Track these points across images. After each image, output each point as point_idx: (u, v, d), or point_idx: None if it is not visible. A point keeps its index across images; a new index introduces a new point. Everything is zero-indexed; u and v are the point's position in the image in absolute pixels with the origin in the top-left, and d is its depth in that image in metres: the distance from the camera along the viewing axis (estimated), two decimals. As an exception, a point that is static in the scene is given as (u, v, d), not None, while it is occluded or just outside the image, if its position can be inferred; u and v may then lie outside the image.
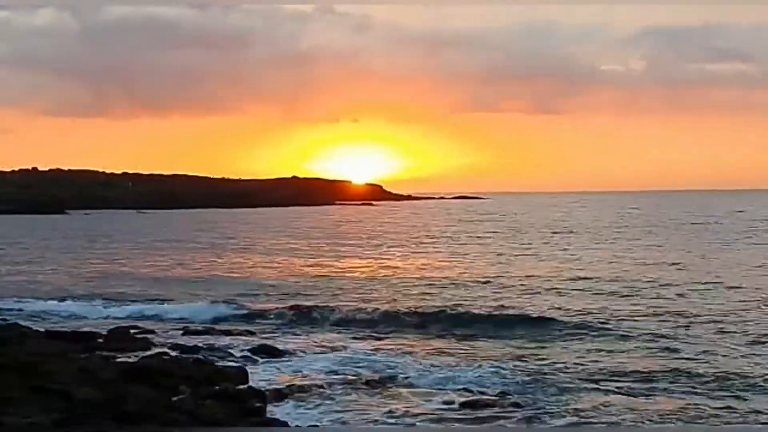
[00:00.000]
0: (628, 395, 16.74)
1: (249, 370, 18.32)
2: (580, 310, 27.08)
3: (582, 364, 19.46)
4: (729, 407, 15.71)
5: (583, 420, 15.07)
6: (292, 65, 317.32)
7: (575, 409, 15.75)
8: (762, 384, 17.40)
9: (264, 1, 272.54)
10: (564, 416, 15.33)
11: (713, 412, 15.45)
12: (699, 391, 17.00)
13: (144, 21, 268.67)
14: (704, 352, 20.52)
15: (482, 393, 16.90)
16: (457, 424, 15.14)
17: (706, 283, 33.40)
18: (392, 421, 15.23)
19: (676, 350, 20.73)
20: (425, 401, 16.41)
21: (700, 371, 18.49)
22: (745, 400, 16.34)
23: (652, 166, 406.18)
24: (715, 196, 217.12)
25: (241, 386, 16.79)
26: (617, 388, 17.24)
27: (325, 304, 29.39)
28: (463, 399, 16.46)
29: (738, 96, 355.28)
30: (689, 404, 15.92)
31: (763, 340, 21.95)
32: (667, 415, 15.29)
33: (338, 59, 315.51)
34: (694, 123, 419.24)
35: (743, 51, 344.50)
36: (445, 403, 16.32)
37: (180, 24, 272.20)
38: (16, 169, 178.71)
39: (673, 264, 41.68)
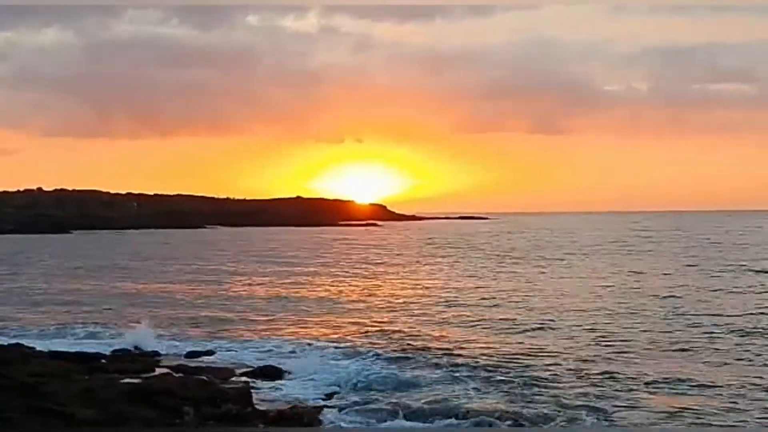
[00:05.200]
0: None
1: (252, 391, 18.24)
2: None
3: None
4: None
5: None
6: (297, 85, 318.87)
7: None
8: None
9: (263, 10, 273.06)
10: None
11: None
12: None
13: (148, 40, 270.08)
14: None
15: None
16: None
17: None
18: None
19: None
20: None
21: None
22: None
23: (655, 186, 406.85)
24: (720, 217, 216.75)
25: (245, 407, 16.69)
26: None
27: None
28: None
29: (740, 116, 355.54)
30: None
31: None
32: None
33: (342, 79, 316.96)
34: (696, 143, 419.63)
35: (745, 71, 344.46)
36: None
37: (184, 43, 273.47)
38: (21, 189, 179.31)
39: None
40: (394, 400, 18.05)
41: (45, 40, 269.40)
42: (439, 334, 26.81)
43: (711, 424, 15.71)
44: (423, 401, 17.86)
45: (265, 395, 18.69)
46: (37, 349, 23.17)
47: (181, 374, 20.42)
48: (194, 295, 41.00)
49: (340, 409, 17.43)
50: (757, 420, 16.16)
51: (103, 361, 22.41)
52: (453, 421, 16.44)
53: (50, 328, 29.77)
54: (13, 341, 24.76)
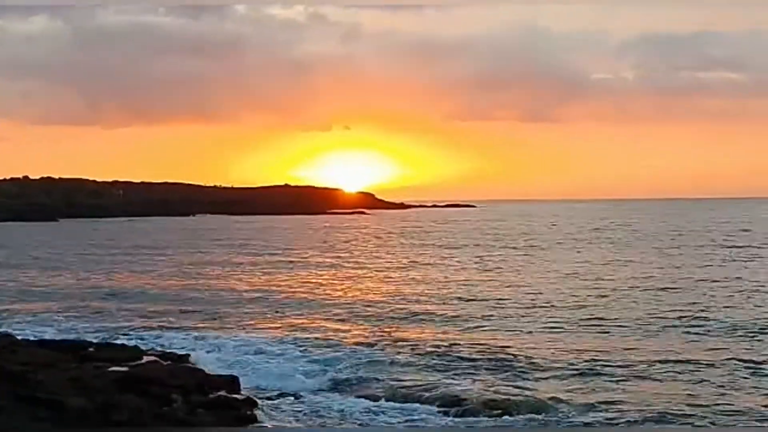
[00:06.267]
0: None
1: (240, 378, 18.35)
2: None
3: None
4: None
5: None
6: (285, 73, 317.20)
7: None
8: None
9: (254, 1, 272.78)
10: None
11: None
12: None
13: (137, 28, 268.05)
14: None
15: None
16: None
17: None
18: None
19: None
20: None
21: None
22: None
23: (644, 175, 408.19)
24: (709, 205, 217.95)
25: (233, 394, 16.81)
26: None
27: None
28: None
29: (728, 104, 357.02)
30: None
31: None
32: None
33: (331, 67, 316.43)
34: (684, 131, 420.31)
35: (734, 59, 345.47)
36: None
37: (173, 32, 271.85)
38: (7, 177, 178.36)
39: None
40: (382, 385, 18.38)
41: (33, 28, 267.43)
42: (422, 325, 26.94)
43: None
44: (411, 388, 18.08)
45: (253, 383, 18.80)
46: (25, 338, 23.24)
47: (169, 362, 20.50)
48: (175, 286, 40.44)
49: (327, 391, 17.88)
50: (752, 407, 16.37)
51: (92, 349, 22.42)
52: (443, 408, 16.63)
53: (34, 318, 29.72)
54: (1, 330, 24.81)
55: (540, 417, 15.89)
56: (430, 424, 15.83)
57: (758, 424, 15.38)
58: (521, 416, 15.97)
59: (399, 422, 15.95)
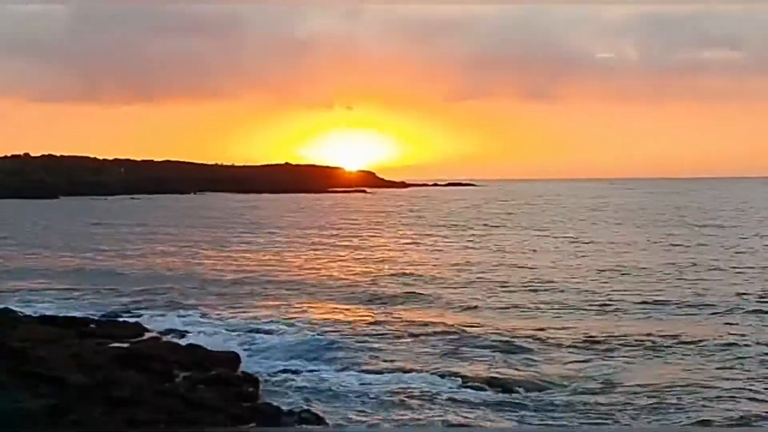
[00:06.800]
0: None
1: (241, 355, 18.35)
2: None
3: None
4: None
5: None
6: (287, 51, 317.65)
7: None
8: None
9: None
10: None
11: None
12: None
13: (136, 6, 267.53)
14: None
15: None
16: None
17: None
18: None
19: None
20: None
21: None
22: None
23: (643, 154, 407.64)
24: (706, 184, 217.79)
25: (233, 371, 16.80)
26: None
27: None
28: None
29: (729, 83, 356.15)
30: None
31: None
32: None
33: (333, 46, 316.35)
34: (685, 110, 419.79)
35: (735, 38, 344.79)
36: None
37: (173, 10, 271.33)
38: (8, 155, 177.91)
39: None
40: (381, 362, 18.48)
41: (32, 5, 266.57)
42: (424, 305, 26.86)
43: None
44: (411, 365, 18.11)
45: (252, 361, 18.79)
46: (26, 315, 23.24)
47: (169, 339, 20.51)
48: (175, 265, 40.15)
49: (327, 369, 17.86)
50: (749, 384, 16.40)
51: (93, 326, 22.43)
52: (442, 382, 16.65)
53: (34, 295, 29.71)
54: (2, 307, 24.80)
55: (541, 394, 15.93)
56: (428, 396, 15.80)
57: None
58: (522, 395, 15.99)
59: (393, 389, 16.00)
